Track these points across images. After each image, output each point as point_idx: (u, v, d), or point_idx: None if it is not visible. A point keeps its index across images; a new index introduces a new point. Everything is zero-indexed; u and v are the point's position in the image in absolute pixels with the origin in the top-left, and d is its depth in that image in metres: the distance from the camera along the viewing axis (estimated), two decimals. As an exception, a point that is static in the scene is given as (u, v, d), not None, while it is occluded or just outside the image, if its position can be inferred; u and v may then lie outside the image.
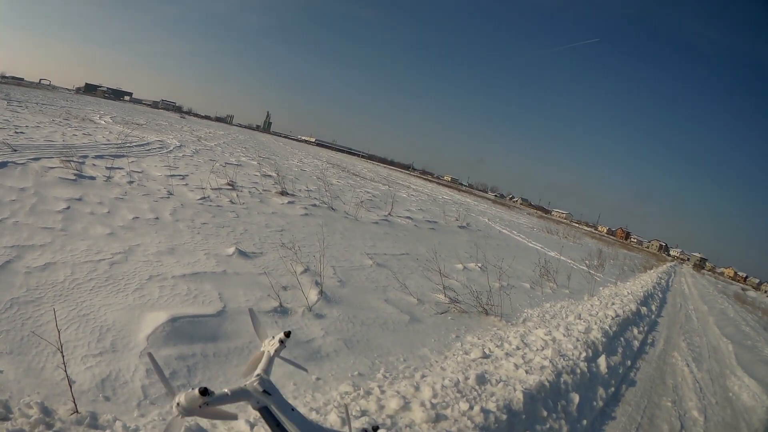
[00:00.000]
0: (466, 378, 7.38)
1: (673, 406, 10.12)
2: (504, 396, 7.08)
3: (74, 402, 5.30)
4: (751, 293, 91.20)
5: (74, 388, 5.49)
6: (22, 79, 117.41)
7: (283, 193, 22.10)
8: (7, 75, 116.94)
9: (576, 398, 8.21)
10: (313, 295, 10.02)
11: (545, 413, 7.38)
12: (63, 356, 5.52)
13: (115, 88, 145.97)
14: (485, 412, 6.44)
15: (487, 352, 9.19)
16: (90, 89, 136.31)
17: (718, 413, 10.59)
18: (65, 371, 5.46)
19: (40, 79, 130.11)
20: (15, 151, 18.34)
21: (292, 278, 10.43)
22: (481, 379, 7.43)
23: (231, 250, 11.63)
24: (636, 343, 13.79)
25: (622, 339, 13.09)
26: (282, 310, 9.04)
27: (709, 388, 12.25)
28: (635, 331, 14.88)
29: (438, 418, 6.08)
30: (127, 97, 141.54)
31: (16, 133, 23.82)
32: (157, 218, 13.18)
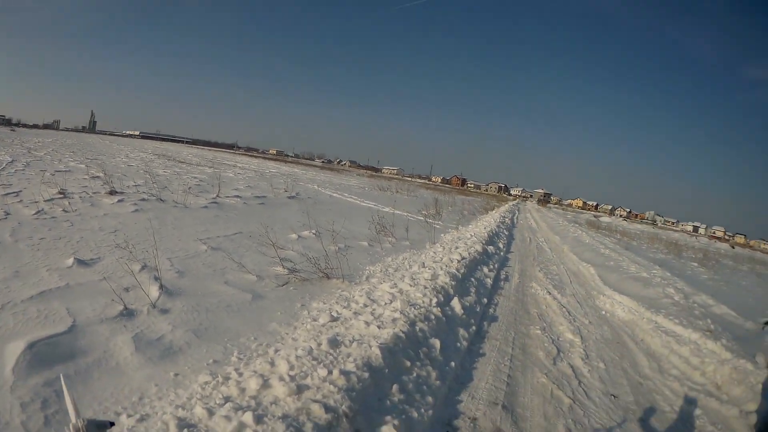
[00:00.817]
0: (319, 344, 7.57)
1: (543, 333, 10.77)
2: (361, 354, 7.31)
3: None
4: (605, 219, 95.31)
5: None
6: None
7: (112, 193, 21.70)
8: None
9: (437, 343, 8.57)
10: (154, 291, 9.98)
11: (408, 363, 7.68)
12: None
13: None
14: (345, 373, 6.66)
15: (335, 314, 9.38)
16: None
17: (594, 332, 11.29)
18: None
19: None
20: None
21: (131, 279, 10.33)
22: (334, 343, 7.64)
23: (70, 261, 11.34)
24: (489, 281, 14.50)
25: (473, 279, 13.72)
26: (128, 313, 8.97)
27: (578, 310, 13.06)
28: (485, 270, 15.56)
29: (300, 389, 6.26)
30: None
31: None
32: None
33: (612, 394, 8.57)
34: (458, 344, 9.14)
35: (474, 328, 10.27)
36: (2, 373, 6.85)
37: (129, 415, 6.11)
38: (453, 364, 8.31)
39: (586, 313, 12.93)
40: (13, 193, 19.82)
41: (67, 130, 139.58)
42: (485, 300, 12.55)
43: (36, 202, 18.09)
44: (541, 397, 8.01)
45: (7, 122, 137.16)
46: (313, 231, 18.02)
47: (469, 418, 7.08)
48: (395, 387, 7.00)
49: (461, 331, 9.64)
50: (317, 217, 20.95)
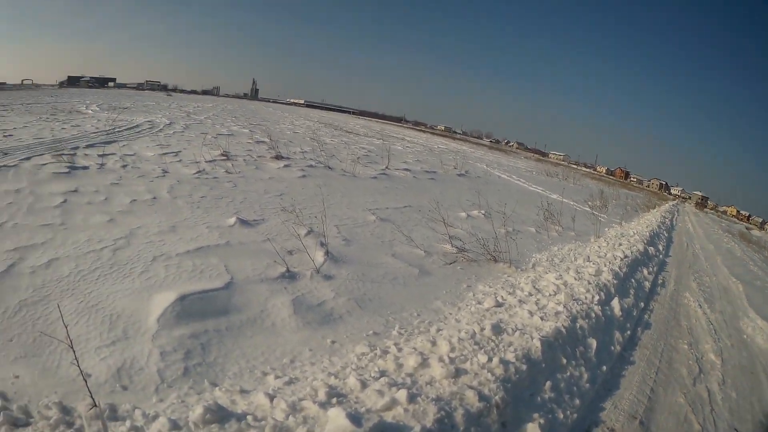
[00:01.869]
0: (482, 329, 7.35)
1: (689, 348, 10.10)
2: (522, 345, 7.04)
3: (92, 396, 5.30)
4: (756, 232, 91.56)
5: (90, 381, 5.49)
6: (3, 84, 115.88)
7: (278, 158, 22.05)
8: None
9: (594, 343, 8.20)
10: (319, 256, 10.01)
11: (564, 361, 7.37)
12: (74, 351, 5.47)
13: (97, 76, 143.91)
14: (504, 363, 6.41)
15: (500, 300, 9.16)
16: (73, 81, 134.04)
17: (734, 356, 10.58)
18: (78, 366, 5.45)
19: (23, 80, 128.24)
20: (5, 154, 18.25)
21: (296, 242, 10.41)
22: (497, 329, 7.40)
23: (232, 220, 11.65)
24: (647, 284, 13.75)
25: (632, 280, 13.06)
26: (290, 275, 9.02)
27: (724, 330, 12.25)
28: (645, 271, 14.82)
29: (458, 373, 6.06)
30: (111, 84, 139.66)
31: (4, 136, 23.70)
32: (154, 198, 13.20)
33: (735, 429, 8.03)
34: (612, 348, 8.67)
35: (629, 332, 9.71)
36: (146, 321, 7.08)
37: (277, 377, 6.11)
38: (604, 368, 7.88)
39: (729, 335, 12.10)
40: (172, 153, 20.71)
41: (227, 96, 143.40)
42: (642, 304, 11.88)
43: (197, 162, 18.85)
44: (675, 419, 7.46)
45: (163, 87, 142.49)
46: (483, 211, 17.73)
47: (608, 429, 6.66)
48: (548, 384, 6.67)
49: (617, 334, 9.19)
50: (486, 198, 20.34)
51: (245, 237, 10.74)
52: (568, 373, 7.16)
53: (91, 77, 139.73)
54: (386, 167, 24.76)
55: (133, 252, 9.48)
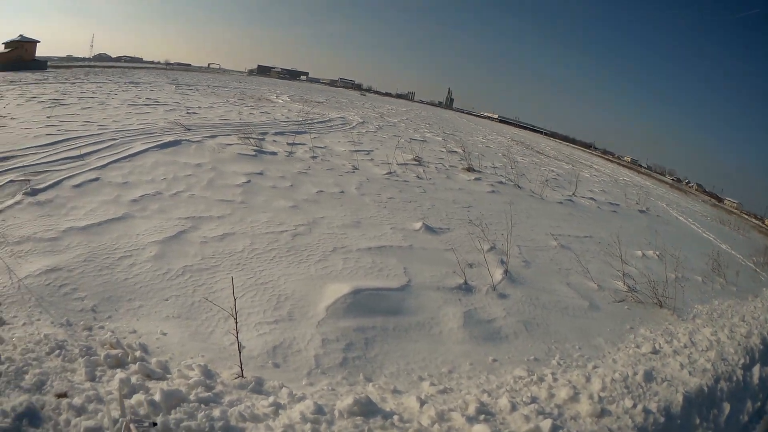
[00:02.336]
0: (635, 373, 7.31)
1: None
2: (666, 397, 6.99)
3: (241, 367, 5.63)
4: None
5: (243, 353, 5.86)
6: (189, 65, 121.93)
7: (470, 170, 22.20)
8: (172, 62, 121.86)
9: (727, 408, 7.90)
10: (498, 274, 10.10)
11: (698, 421, 7.21)
12: (236, 322, 5.86)
13: (289, 68, 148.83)
14: (646, 412, 6.38)
15: (657, 347, 9.03)
16: (263, 70, 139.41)
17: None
18: (236, 336, 5.81)
19: (209, 64, 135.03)
20: (188, 130, 19.41)
21: (477, 256, 10.53)
22: (648, 376, 7.32)
23: (418, 225, 11.95)
24: None
25: None
26: (466, 288, 9.18)
27: None
28: None
29: (603, 413, 6.09)
30: (303, 77, 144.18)
31: (188, 113, 25.20)
32: (342, 192, 13.85)
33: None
34: (741, 416, 8.11)
35: (759, 404, 8.97)
36: (315, 307, 7.47)
37: (432, 384, 6.24)
38: None
39: None
40: (364, 151, 21.44)
41: (421, 102, 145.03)
42: None
43: (388, 163, 19.34)
44: None
45: (357, 86, 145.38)
46: (657, 252, 17.13)
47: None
48: None
49: (748, 403, 8.59)
50: (662, 238, 19.80)
51: (428, 243, 11.03)
52: (697, 437, 7.05)
53: (282, 68, 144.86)
54: (573, 194, 24.35)
55: (313, 240, 10.05)
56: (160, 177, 12.90)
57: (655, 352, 8.76)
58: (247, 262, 8.62)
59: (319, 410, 5.13)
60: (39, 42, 73.48)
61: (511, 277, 10.23)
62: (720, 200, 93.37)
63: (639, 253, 16.15)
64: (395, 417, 5.18)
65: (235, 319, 5.86)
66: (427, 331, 7.47)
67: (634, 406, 6.37)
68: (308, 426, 4.94)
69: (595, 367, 7.57)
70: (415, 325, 7.52)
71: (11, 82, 38.92)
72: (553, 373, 6.99)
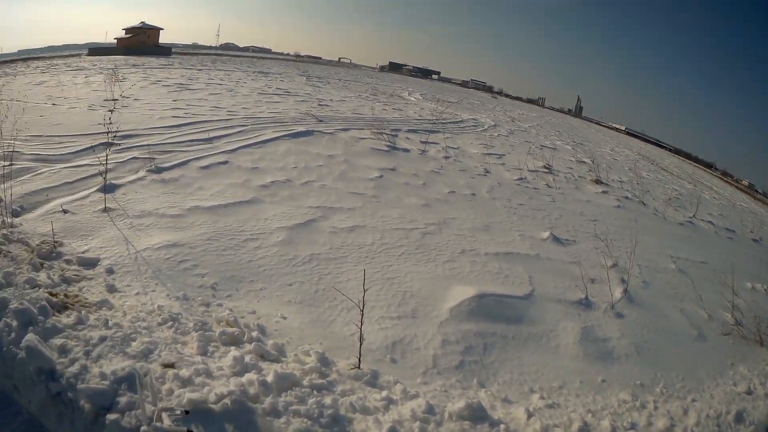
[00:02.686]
0: (728, 412, 7.17)
1: None
2: None
3: (359, 358, 5.74)
4: None
5: (362, 346, 6.00)
6: (319, 58, 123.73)
7: (598, 182, 21.79)
8: (302, 54, 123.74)
9: None
10: (617, 292, 9.91)
11: None
12: (362, 313, 6.04)
13: (421, 66, 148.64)
14: None
15: (752, 388, 8.62)
16: (394, 67, 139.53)
17: None
18: (360, 328, 5.99)
19: (339, 58, 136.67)
20: (321, 121, 19.70)
21: (600, 271, 10.36)
22: (739, 417, 7.16)
23: (546, 234, 11.90)
24: None
25: None
26: (586, 303, 9.07)
27: None
28: None
29: None
30: (434, 76, 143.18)
31: (320, 105, 25.61)
32: (473, 194, 13.98)
33: None
34: None
35: None
36: (439, 307, 7.57)
37: (542, 397, 6.26)
38: None
39: None
40: (495, 155, 21.47)
41: (552, 108, 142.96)
42: None
43: (519, 169, 19.32)
44: None
45: (488, 88, 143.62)
46: (765, 287, 16.55)
47: None
48: None
49: None
50: (773, 271, 19.05)
51: (554, 254, 10.95)
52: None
53: (414, 66, 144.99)
54: (693, 215, 23.58)
55: (443, 240, 10.18)
56: (291, 165, 13.25)
57: (749, 392, 8.42)
58: (376, 256, 8.85)
59: (429, 410, 5.23)
60: (162, 29, 76.18)
61: (630, 297, 10.02)
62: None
63: (749, 285, 15.55)
64: (501, 426, 5.22)
65: (362, 310, 6.03)
66: (545, 344, 7.44)
67: None
68: (417, 425, 5.02)
69: (693, 400, 7.42)
70: (534, 336, 7.51)
71: (134, 65, 40.59)
72: (655, 401, 6.93)
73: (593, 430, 5.67)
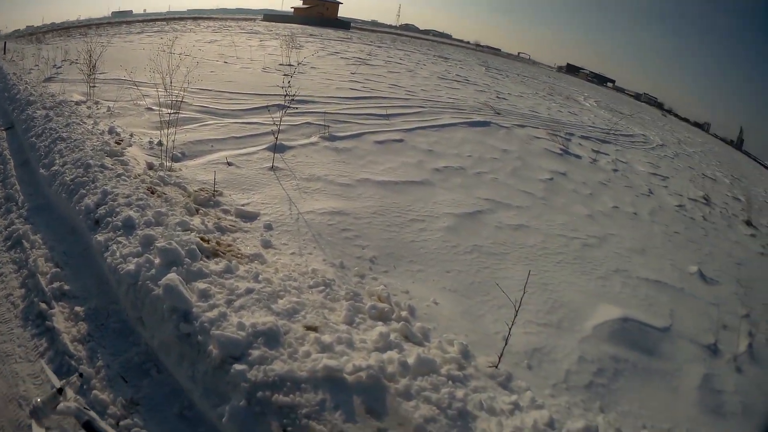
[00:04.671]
0: None
1: None
2: None
3: (499, 358, 5.71)
4: None
5: (506, 347, 5.92)
6: (498, 50, 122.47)
7: (749, 223, 20.31)
8: (482, 44, 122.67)
9: None
10: (743, 345, 9.32)
11: None
12: (516, 314, 6.03)
13: (597, 72, 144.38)
14: None
15: None
16: (571, 69, 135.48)
17: None
18: (509, 328, 5.96)
19: (519, 53, 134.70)
20: (498, 114, 19.62)
21: (733, 319, 9.82)
22: None
23: (694, 269, 11.32)
24: None
25: None
26: (714, 349, 8.62)
27: None
28: None
29: None
30: (609, 84, 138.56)
31: (498, 98, 25.40)
32: (635, 213, 13.51)
33: None
34: None
35: None
36: (583, 323, 7.44)
37: None
38: None
39: None
40: (660, 176, 20.68)
41: (715, 136, 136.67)
42: None
43: (680, 194, 18.58)
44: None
45: (659, 105, 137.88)
46: None
47: None
48: None
49: None
50: None
51: (698, 291, 10.39)
52: None
53: (590, 71, 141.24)
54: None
55: (600, 255, 9.90)
56: (466, 153, 13.30)
57: None
58: (536, 259, 8.74)
59: (551, 424, 5.14)
60: (342, 2, 77.05)
61: (752, 353, 9.30)
62: None
63: None
64: None
65: (516, 311, 6.02)
66: (668, 382, 7.17)
67: None
68: None
69: None
70: (660, 372, 7.24)
71: (311, 35, 41.40)
72: None
73: None
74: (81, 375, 4.20)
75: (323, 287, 6.30)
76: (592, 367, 6.59)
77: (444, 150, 13.14)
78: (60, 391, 3.68)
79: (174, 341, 5.09)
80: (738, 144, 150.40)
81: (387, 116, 15.51)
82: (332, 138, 12.25)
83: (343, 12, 78.37)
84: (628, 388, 6.60)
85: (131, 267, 5.87)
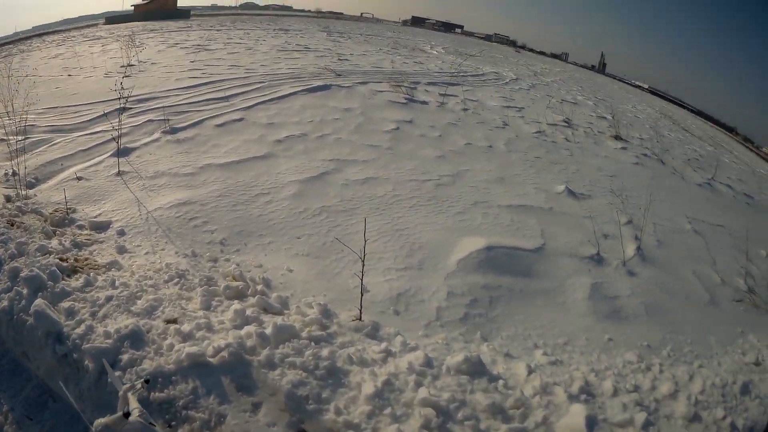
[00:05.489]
0: (734, 382, 7.09)
1: None
2: (754, 417, 6.67)
3: (360, 310, 5.75)
4: None
5: (366, 297, 6.03)
6: (341, 14, 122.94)
7: (617, 138, 21.54)
8: (323, 10, 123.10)
9: None
10: (630, 249, 9.80)
11: None
12: (363, 264, 5.97)
13: (444, 20, 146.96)
14: (733, 427, 6.17)
15: (760, 359, 8.49)
16: (417, 21, 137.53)
17: None
18: (361, 279, 5.94)
19: (362, 13, 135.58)
20: (339, 75, 19.67)
21: (613, 227, 10.26)
22: (745, 389, 7.05)
23: (561, 188, 11.75)
24: None
25: None
26: (598, 259, 8.98)
27: None
28: None
29: (694, 418, 5.96)
30: (458, 30, 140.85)
31: (339, 60, 25.54)
32: (490, 146, 13.86)
33: None
34: None
35: None
36: (446, 259, 7.52)
37: (545, 354, 6.21)
38: None
39: None
40: (515, 108, 21.23)
41: (575, 64, 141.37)
42: None
43: (538, 122, 19.10)
44: None
45: (512, 43, 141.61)
46: None
47: None
48: None
49: None
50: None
51: (568, 208, 10.82)
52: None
53: (437, 20, 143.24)
54: (712, 177, 23.35)
55: (456, 192, 10.08)
56: (307, 119, 13.27)
57: (757, 363, 8.31)
58: (387, 208, 8.81)
59: (428, 363, 5.20)
60: None
61: (643, 256, 9.90)
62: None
63: (763, 252, 15.52)
64: (500, 381, 5.21)
65: (363, 260, 5.96)
66: (552, 299, 7.37)
67: (724, 418, 6.21)
68: (413, 377, 4.99)
69: (700, 366, 7.36)
70: (541, 291, 7.42)
71: (152, 30, 40.73)
72: (660, 364, 6.86)
73: (595, 390, 5.63)
74: (147, 381, 4.23)
75: (178, 279, 6.38)
76: (464, 300, 6.67)
77: (284, 120, 13.08)
78: (126, 415, 3.62)
79: (55, 365, 5.13)
80: (601, 68, 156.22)
81: (226, 98, 15.35)
82: (174, 131, 12.05)
83: (182, 1, 77.19)
84: (509, 313, 6.76)
85: (5, 303, 5.93)
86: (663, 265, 10.00)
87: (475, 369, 5.24)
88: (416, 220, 8.55)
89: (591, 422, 4.93)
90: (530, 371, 5.48)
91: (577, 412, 4.99)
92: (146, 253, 7.16)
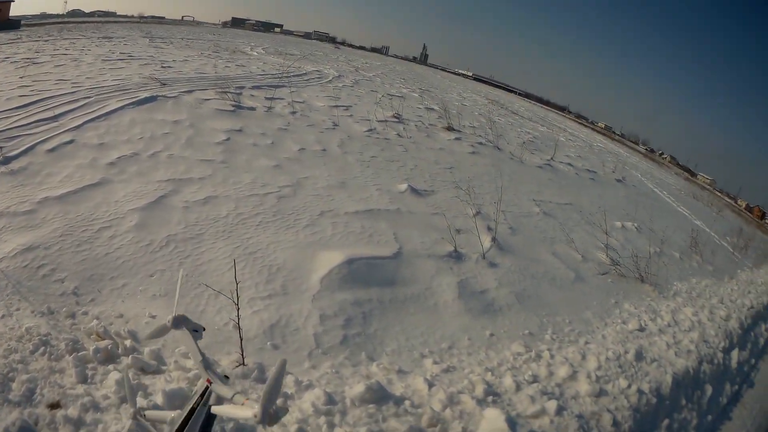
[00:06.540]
0: (626, 352, 7.48)
1: None
2: (656, 378, 7.14)
3: (242, 354, 5.36)
4: None
5: (239, 334, 5.55)
6: (163, 18, 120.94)
7: (449, 129, 21.97)
8: (146, 15, 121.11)
9: (709, 391, 8.12)
10: (486, 241, 9.97)
11: (684, 402, 7.37)
12: (238, 308, 5.50)
13: (263, 20, 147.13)
14: (640, 392, 6.50)
15: (643, 324, 9.17)
16: (237, 23, 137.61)
17: None
18: (238, 323, 5.51)
19: (183, 16, 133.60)
20: (164, 84, 19.01)
21: (464, 221, 10.44)
22: (639, 356, 7.51)
23: (403, 186, 11.77)
24: (762, 341, 12.98)
25: (752, 333, 12.49)
26: (457, 255, 9.02)
27: None
28: (763, 327, 14.13)
29: (600, 393, 6.17)
30: (277, 29, 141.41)
31: (162, 67, 24.81)
32: (324, 150, 13.67)
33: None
34: (720, 399, 8.44)
35: (736, 387, 9.21)
36: (309, 279, 7.22)
37: (435, 362, 6.15)
38: (710, 417, 7.69)
39: None
40: (342, 106, 21.15)
41: (396, 57, 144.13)
42: (753, 361, 10.95)
43: (368, 120, 19.15)
44: None
45: (331, 39, 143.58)
46: (636, 224, 17.08)
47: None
48: (666, 422, 6.71)
49: (727, 386, 8.96)
50: (639, 210, 19.81)
51: (415, 206, 10.86)
52: (683, 415, 7.18)
53: (256, 20, 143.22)
54: (551, 158, 24.17)
55: (300, 203, 9.81)
56: (137, 136, 12.60)
57: (641, 329, 8.92)
58: (233, 229, 8.38)
59: (330, 400, 4.97)
60: (14, 1, 72.13)
61: (500, 245, 10.15)
62: (693, 175, 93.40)
63: (618, 224, 16.21)
64: (407, 402, 5.10)
65: (237, 305, 5.48)
66: (423, 303, 7.33)
67: (629, 386, 6.52)
68: (322, 419, 4.77)
69: (587, 342, 7.64)
70: (411, 297, 7.38)
71: None
72: (549, 349, 7.01)
73: (498, 389, 5.62)
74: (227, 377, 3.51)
75: (44, 347, 5.43)
76: (338, 321, 6.50)
77: (114, 139, 12.29)
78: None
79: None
80: (422, 59, 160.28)
81: (55, 117, 14.41)
82: (6, 160, 11.00)
83: (14, 11, 72.98)
84: (386, 326, 6.66)
85: None
86: (522, 252, 10.30)
87: (378, 396, 5.07)
88: (266, 239, 8.22)
89: (511, 422, 4.92)
90: (430, 385, 5.41)
91: (495, 417, 4.97)
92: (3, 317, 6.15)
